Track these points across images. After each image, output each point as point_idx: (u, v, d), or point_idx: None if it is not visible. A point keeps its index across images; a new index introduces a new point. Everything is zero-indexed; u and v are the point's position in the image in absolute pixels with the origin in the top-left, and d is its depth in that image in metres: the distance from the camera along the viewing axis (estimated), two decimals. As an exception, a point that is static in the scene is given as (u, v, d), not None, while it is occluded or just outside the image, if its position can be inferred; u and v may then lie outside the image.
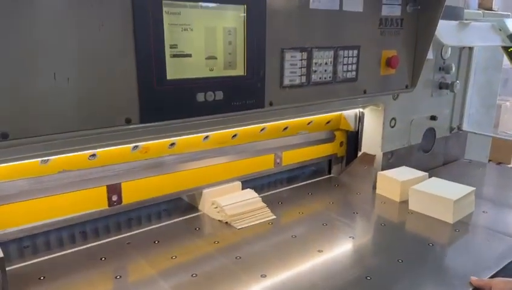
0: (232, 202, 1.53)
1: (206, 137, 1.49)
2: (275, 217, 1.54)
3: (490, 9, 2.25)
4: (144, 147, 1.36)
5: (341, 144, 1.97)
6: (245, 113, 1.26)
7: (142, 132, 1.10)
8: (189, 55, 1.11)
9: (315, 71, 1.40)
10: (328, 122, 1.88)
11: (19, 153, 0.96)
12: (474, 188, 1.63)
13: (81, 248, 1.30)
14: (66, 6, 0.90)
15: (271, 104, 1.31)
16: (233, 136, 1.57)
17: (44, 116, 0.93)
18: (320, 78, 1.42)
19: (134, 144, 1.32)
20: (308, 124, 1.78)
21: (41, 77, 0.90)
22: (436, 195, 1.56)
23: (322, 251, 1.32)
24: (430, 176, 1.78)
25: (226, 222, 1.48)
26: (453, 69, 2.00)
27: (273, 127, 1.66)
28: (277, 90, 1.32)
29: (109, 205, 1.37)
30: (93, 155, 1.26)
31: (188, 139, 1.45)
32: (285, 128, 1.71)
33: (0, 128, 0.87)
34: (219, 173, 1.60)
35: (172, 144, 1.43)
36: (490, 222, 1.56)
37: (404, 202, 1.68)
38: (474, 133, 2.25)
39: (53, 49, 0.90)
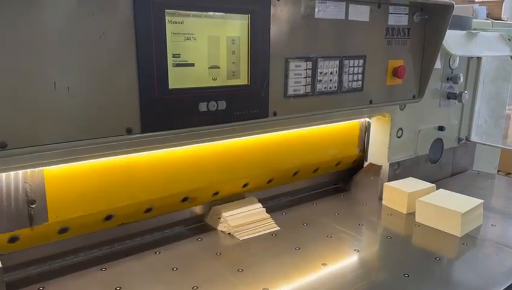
0: (235, 213, 1.51)
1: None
2: (278, 228, 1.51)
3: (499, 18, 2.23)
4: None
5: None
6: (248, 123, 1.24)
7: (143, 141, 1.09)
8: (192, 65, 1.10)
9: (320, 81, 1.38)
10: (337, 164, 1.87)
11: (18, 162, 0.95)
12: (482, 201, 1.60)
13: (83, 258, 1.29)
14: (67, 15, 0.90)
15: (275, 114, 1.29)
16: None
17: (44, 126, 0.92)
18: (325, 87, 1.40)
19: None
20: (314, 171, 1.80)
21: (41, 85, 0.89)
22: (444, 207, 1.53)
23: (326, 264, 1.30)
24: (437, 188, 1.75)
25: (229, 233, 1.46)
26: (461, 79, 1.97)
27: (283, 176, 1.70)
28: (281, 100, 1.30)
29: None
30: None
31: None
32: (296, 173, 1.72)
33: (-2, 138, 0.86)
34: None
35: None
36: (499, 236, 1.52)
37: (411, 214, 1.65)
38: (483, 144, 2.21)
39: (53, 57, 0.90)
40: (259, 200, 1.62)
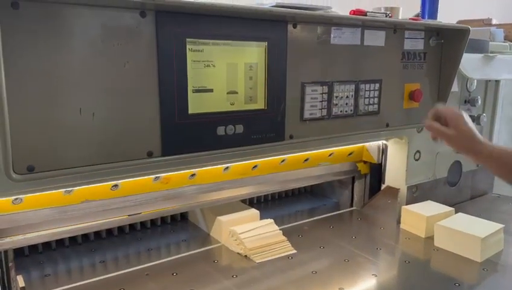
0: (252, 235, 1.51)
1: (227, 168, 1.50)
2: (295, 251, 1.51)
3: (517, 41, 2.22)
4: (164, 177, 1.38)
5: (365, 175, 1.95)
6: (265, 146, 1.26)
7: (164, 164, 1.12)
8: (211, 90, 1.14)
9: (336, 104, 1.40)
10: (350, 154, 1.86)
11: (44, 184, 0.99)
12: (503, 225, 1.57)
13: (102, 277, 1.31)
14: (94, 45, 0.95)
15: (291, 137, 1.32)
16: (253, 167, 1.57)
17: (69, 150, 0.96)
18: (341, 111, 1.42)
19: (155, 175, 1.34)
20: (330, 155, 1.76)
21: (68, 112, 0.94)
22: (463, 232, 1.51)
23: (343, 289, 1.29)
24: (456, 211, 1.72)
25: (245, 255, 1.46)
26: (479, 101, 1.96)
27: (294, 159, 1.66)
28: (297, 124, 1.33)
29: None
30: (116, 186, 1.29)
31: (209, 170, 1.46)
32: (306, 159, 1.71)
33: (27, 162, 0.91)
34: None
35: (193, 175, 1.44)
36: (521, 262, 1.49)
37: (430, 238, 1.63)
38: (503, 166, 2.17)
39: (79, 85, 0.94)
40: (276, 222, 1.62)
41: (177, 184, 1.44)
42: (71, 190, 1.21)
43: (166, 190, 1.43)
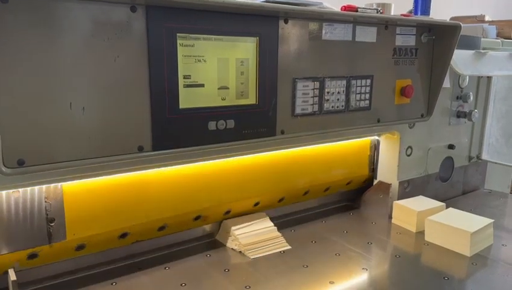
0: (246, 231, 1.52)
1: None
2: (290, 247, 1.51)
3: (509, 38, 2.23)
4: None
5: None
6: (256, 141, 1.27)
7: (154, 159, 1.12)
8: (202, 85, 1.14)
9: (327, 100, 1.41)
10: (348, 183, 1.89)
11: (35, 178, 1.00)
12: (492, 220, 1.58)
13: (95, 271, 1.32)
14: (84, 39, 0.95)
15: (282, 132, 1.32)
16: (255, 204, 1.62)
17: (60, 144, 0.96)
18: (332, 106, 1.43)
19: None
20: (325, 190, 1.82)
21: (58, 106, 0.94)
22: (453, 227, 1.53)
23: (333, 283, 1.30)
24: (448, 206, 1.74)
25: (240, 251, 1.47)
26: (471, 98, 1.97)
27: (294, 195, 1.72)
28: (289, 119, 1.33)
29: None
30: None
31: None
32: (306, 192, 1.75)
33: (17, 156, 0.91)
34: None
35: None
36: (510, 256, 1.50)
37: (421, 233, 1.65)
38: (494, 162, 2.20)
39: (69, 79, 0.94)
40: (267, 215, 1.63)
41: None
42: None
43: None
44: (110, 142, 1.02)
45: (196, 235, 1.55)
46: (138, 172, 1.24)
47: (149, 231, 1.39)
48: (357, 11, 1.36)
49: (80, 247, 1.25)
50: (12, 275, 1.08)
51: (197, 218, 1.47)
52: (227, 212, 1.55)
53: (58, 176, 1.03)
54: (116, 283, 1.26)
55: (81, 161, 0.99)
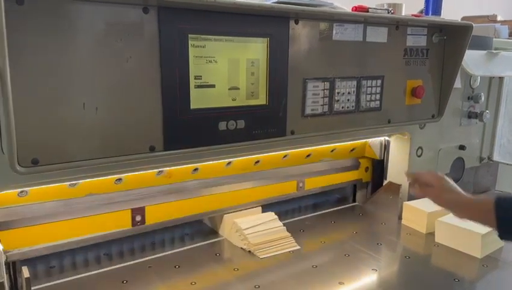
0: (256, 231, 1.52)
1: (229, 163, 1.51)
2: (299, 247, 1.51)
3: (522, 37, 2.21)
4: (168, 172, 1.40)
5: (366, 169, 1.95)
6: (266, 141, 1.27)
7: (166, 158, 1.13)
8: (213, 86, 1.15)
9: (337, 100, 1.41)
10: (352, 150, 1.86)
11: (48, 177, 1.01)
12: (504, 222, 1.57)
13: (106, 269, 1.33)
14: (97, 40, 0.96)
15: (292, 132, 1.33)
16: (255, 163, 1.58)
17: (73, 144, 0.98)
18: (342, 107, 1.43)
19: (158, 169, 1.35)
20: (332, 151, 1.77)
21: (71, 106, 0.96)
22: (464, 228, 1.51)
23: (343, 283, 1.30)
24: (458, 208, 1.72)
25: (249, 251, 1.47)
26: (482, 98, 1.96)
27: (296, 154, 1.67)
28: (299, 119, 1.33)
29: (133, 225, 1.39)
30: (119, 179, 1.31)
31: (211, 165, 1.47)
32: (308, 155, 1.72)
33: (31, 155, 0.92)
34: (241, 197, 1.61)
35: (196, 169, 1.46)
36: (521, 258, 1.49)
37: (431, 234, 1.64)
38: (506, 163, 2.17)
39: (83, 80, 0.96)
40: (277, 216, 1.63)
41: (179, 178, 1.46)
42: (75, 184, 1.23)
43: (170, 184, 1.45)
44: (122, 142, 1.04)
45: (203, 232, 1.56)
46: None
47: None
48: (367, 11, 1.36)
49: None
50: (25, 273, 1.10)
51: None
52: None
53: (70, 175, 1.04)
54: (127, 281, 1.27)
55: (93, 161, 1.00)
